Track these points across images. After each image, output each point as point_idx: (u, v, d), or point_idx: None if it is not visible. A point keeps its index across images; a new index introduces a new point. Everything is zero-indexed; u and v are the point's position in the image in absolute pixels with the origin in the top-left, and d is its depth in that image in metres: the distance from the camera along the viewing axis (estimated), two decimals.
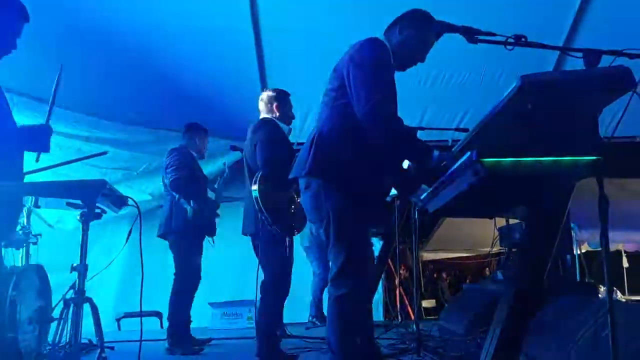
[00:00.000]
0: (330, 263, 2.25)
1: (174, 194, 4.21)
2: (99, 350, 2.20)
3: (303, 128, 5.42)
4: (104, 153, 3.29)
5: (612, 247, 7.99)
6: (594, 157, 1.56)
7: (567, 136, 1.61)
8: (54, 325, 2.63)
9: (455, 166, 1.75)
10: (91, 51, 4.57)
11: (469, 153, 1.61)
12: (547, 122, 1.62)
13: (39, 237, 3.83)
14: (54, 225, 6.32)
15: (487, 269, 14.51)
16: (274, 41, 5.13)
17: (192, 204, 4.12)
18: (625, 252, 10.40)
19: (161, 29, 4.71)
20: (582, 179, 1.92)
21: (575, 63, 1.90)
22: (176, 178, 4.11)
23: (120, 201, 2.43)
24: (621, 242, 9.15)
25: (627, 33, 4.32)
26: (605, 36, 4.08)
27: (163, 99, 5.21)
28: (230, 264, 6.64)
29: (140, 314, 2.39)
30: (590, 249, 7.99)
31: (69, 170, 5.01)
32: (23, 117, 4.46)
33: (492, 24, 2.12)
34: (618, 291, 9.35)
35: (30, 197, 2.49)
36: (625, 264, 10.91)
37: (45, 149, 2.39)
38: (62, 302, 2.34)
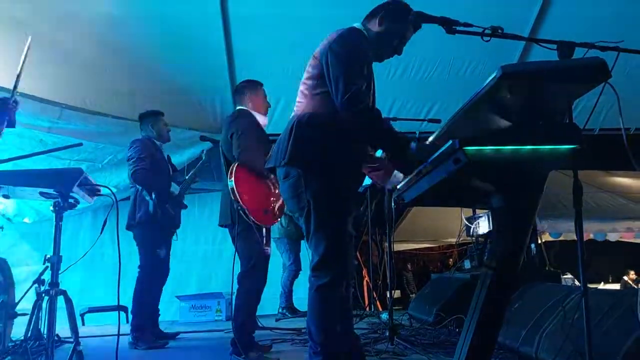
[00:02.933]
0: (311, 252, 2.24)
1: (137, 186, 4.15)
2: (73, 344, 2.14)
3: (273, 118, 5.38)
4: (79, 144, 3.18)
5: (569, 237, 8.25)
6: (572, 146, 1.60)
7: (545, 125, 1.64)
8: (21, 319, 2.55)
9: (436, 154, 1.77)
10: (57, 37, 4.42)
11: (450, 141, 1.63)
12: (525, 111, 1.65)
13: (0, 230, 3.70)
14: (12, 219, 6.13)
15: (450, 259, 14.79)
16: (243, 30, 5.08)
17: (153, 197, 4.05)
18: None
19: (129, 17, 4.60)
20: (559, 169, 1.98)
21: (541, 56, 1.94)
22: (136, 170, 4.05)
23: (94, 191, 2.36)
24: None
25: (589, 26, 4.45)
26: (568, 29, 4.21)
27: (130, 89, 5.09)
28: (197, 256, 6.59)
29: (118, 307, 2.34)
30: (551, 238, 8.22)
31: (28, 162, 4.86)
32: None
33: (458, 15, 2.14)
34: (576, 279, 9.66)
35: None
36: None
37: (11, 124, 2.29)
38: (27, 296, 2.27)
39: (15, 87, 2.35)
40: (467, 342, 1.97)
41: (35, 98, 4.46)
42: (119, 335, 2.34)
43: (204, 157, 4.59)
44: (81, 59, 4.74)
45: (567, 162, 1.72)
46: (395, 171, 2.39)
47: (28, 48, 2.39)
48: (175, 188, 4.37)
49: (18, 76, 2.37)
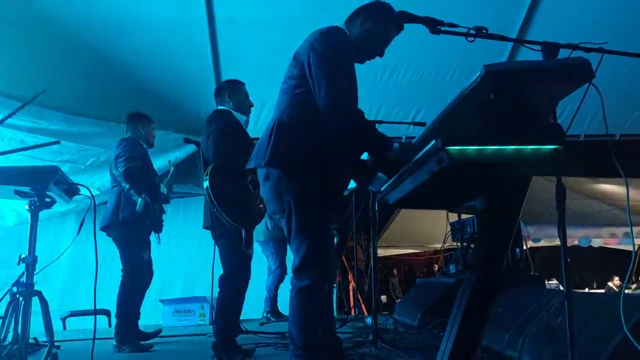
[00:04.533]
0: (292, 254, 2.21)
1: (123, 185, 4.06)
2: (48, 345, 2.08)
3: (259, 120, 5.36)
4: (57, 142, 3.12)
5: (554, 243, 8.29)
6: (554, 147, 1.59)
7: (529, 126, 1.63)
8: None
9: (419, 155, 1.75)
10: (39, 37, 4.36)
11: (434, 141, 1.61)
12: (509, 111, 1.64)
13: None
14: None
15: (436, 265, 14.82)
16: (229, 32, 5.06)
17: (143, 196, 3.98)
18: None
19: (113, 17, 4.55)
20: (541, 175, 1.98)
21: (529, 58, 1.94)
22: (129, 167, 3.96)
23: (72, 190, 2.31)
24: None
25: (577, 29, 4.48)
26: (556, 32, 4.22)
27: (114, 90, 5.05)
28: (181, 260, 6.53)
29: (95, 312, 2.28)
30: (535, 244, 8.26)
31: (7, 162, 4.78)
32: None
33: (444, 15, 2.13)
34: (560, 284, 9.71)
35: None
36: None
37: None
38: (7, 298, 2.21)
39: None
40: (450, 345, 1.96)
41: (15, 97, 4.39)
42: (94, 339, 2.28)
43: (171, 169, 4.53)
44: (65, 61, 4.69)
45: (550, 167, 1.70)
46: (379, 173, 2.37)
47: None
48: (163, 188, 4.32)
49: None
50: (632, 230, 6.46)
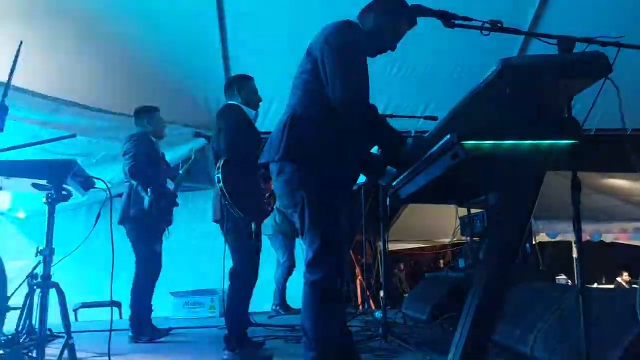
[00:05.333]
0: (305, 248, 2.22)
1: (132, 181, 4.11)
2: (65, 337, 2.10)
3: (268, 115, 5.35)
4: (73, 136, 3.15)
5: (565, 238, 8.27)
6: (571, 142, 1.58)
7: (545, 120, 1.62)
8: (14, 314, 2.52)
9: (433, 150, 1.75)
10: (51, 32, 4.38)
11: (449, 136, 1.61)
12: (525, 106, 1.63)
13: None
14: (6, 214, 6.09)
15: (442, 260, 14.80)
16: (239, 27, 5.06)
17: (149, 193, 4.02)
18: (575, 242, 10.81)
19: (125, 13, 4.56)
20: (554, 170, 1.97)
21: (540, 53, 1.92)
22: (133, 165, 4.02)
23: (88, 183, 2.33)
24: (572, 233, 9.48)
25: (589, 22, 4.45)
26: (568, 25, 4.19)
27: (125, 84, 5.06)
28: (191, 253, 6.56)
29: (111, 303, 2.31)
30: (545, 239, 8.24)
31: (25, 155, 4.80)
32: None
33: (454, 9, 2.13)
34: (569, 280, 9.69)
35: None
36: (575, 254, 11.30)
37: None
38: (20, 290, 2.24)
39: (5, 92, 2.29)
40: (462, 340, 1.96)
41: (29, 92, 4.42)
42: (111, 330, 2.31)
43: (193, 156, 4.57)
44: (76, 54, 4.70)
45: (565, 162, 1.70)
46: (388, 167, 2.36)
47: (18, 53, 2.33)
48: (170, 184, 4.35)
49: (9, 82, 2.31)
50: None
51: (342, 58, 2.16)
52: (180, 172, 4.47)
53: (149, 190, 4.02)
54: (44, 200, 2.09)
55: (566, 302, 2.47)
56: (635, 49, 1.92)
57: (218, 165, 3.20)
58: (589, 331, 1.57)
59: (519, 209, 1.95)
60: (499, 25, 1.98)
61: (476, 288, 2.05)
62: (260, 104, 3.65)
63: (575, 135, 1.58)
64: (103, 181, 2.31)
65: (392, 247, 14.12)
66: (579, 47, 1.89)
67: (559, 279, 8.24)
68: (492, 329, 2.04)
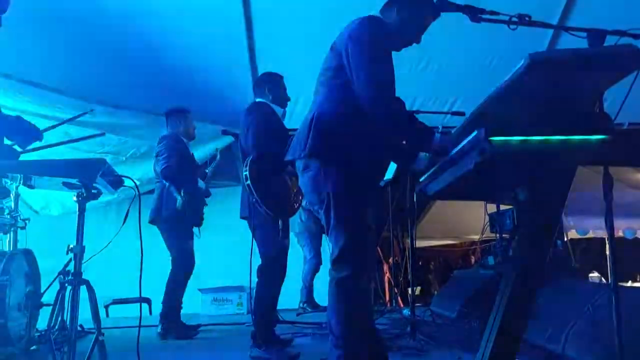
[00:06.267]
0: (331, 245, 2.22)
1: (164, 181, 4.18)
2: (95, 333, 2.15)
3: (294, 113, 5.35)
4: (102, 134, 3.24)
5: (598, 235, 8.08)
6: (602, 137, 1.54)
7: (575, 115, 1.58)
8: (46, 310, 2.58)
9: (460, 145, 1.73)
10: (80, 33, 4.45)
11: (476, 132, 1.58)
12: (554, 100, 1.59)
13: (27, 221, 3.76)
14: (39, 212, 6.22)
15: (473, 256, 14.62)
16: (265, 24, 5.06)
17: (181, 194, 4.09)
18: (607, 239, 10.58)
19: (152, 12, 4.61)
20: (583, 165, 1.92)
21: (570, 46, 1.88)
22: (167, 167, 4.10)
23: (117, 182, 2.38)
24: (604, 229, 9.27)
25: (618, 14, 4.32)
26: (598, 18, 4.07)
27: (153, 82, 5.11)
28: (220, 249, 6.60)
29: (140, 299, 2.35)
30: (577, 235, 8.08)
31: (54, 155, 4.90)
32: (9, 100, 4.39)
33: (481, 3, 2.09)
34: (602, 277, 9.47)
35: (19, 177, 2.44)
36: (608, 251, 11.06)
37: (22, 145, 2.36)
38: (52, 287, 2.29)
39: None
40: (492, 338, 1.93)
41: (57, 91, 4.53)
42: (140, 326, 2.34)
43: (218, 156, 4.62)
44: (105, 52, 4.78)
45: (596, 156, 1.65)
46: (421, 153, 2.34)
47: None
48: (201, 184, 4.41)
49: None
50: None
51: (366, 52, 2.15)
52: (207, 170, 4.53)
53: (181, 191, 4.09)
54: (74, 198, 2.14)
55: (598, 300, 2.42)
56: None
57: (246, 162, 3.22)
58: (621, 331, 1.52)
59: (548, 205, 1.91)
60: (527, 18, 1.94)
61: (506, 286, 2.02)
62: (289, 100, 3.67)
63: (607, 130, 1.54)
64: (132, 179, 2.35)
65: (420, 243, 14.02)
66: (610, 40, 1.84)
67: (591, 277, 8.06)
68: (523, 328, 2.00)
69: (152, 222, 4.25)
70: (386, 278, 7.58)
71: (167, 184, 4.16)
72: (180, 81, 5.26)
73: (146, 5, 4.60)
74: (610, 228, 1.69)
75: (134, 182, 2.31)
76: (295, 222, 5.75)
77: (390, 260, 8.46)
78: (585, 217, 6.96)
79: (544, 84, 1.57)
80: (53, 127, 2.96)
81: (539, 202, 1.93)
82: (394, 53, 2.36)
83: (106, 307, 5.70)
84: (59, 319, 2.53)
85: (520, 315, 1.93)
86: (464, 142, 1.71)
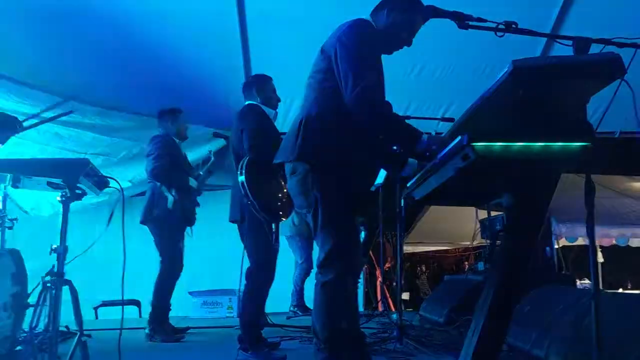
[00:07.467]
0: (318, 248, 2.23)
1: (155, 182, 4.17)
2: (78, 334, 2.14)
3: (288, 115, 5.36)
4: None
5: (586, 242, 8.09)
6: (584, 144, 1.56)
7: (557, 122, 1.60)
8: (30, 311, 2.57)
9: (445, 151, 1.74)
10: (71, 33, 4.45)
11: (459, 137, 1.60)
12: (537, 107, 1.61)
13: (14, 221, 3.75)
14: (29, 212, 6.19)
15: (466, 262, 14.65)
16: (260, 28, 5.07)
17: (173, 193, 4.07)
18: (601, 246, 10.59)
19: (144, 12, 4.61)
20: (569, 172, 1.94)
21: (562, 54, 1.89)
22: (157, 166, 4.09)
23: (102, 183, 2.37)
24: (597, 237, 9.30)
25: (613, 24, 4.35)
26: (591, 26, 4.10)
27: (145, 84, 5.11)
28: (210, 252, 6.60)
29: (122, 302, 2.33)
30: (567, 243, 8.10)
31: (46, 154, 4.89)
32: None
33: (479, 11, 2.10)
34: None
35: (8, 178, 2.43)
36: (601, 259, 11.09)
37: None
38: (39, 287, 2.28)
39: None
40: (474, 342, 1.94)
41: (49, 91, 4.51)
42: (121, 328, 2.33)
43: (212, 158, 4.62)
44: (98, 54, 4.77)
45: (579, 164, 1.67)
46: (410, 159, 2.35)
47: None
48: (193, 183, 4.40)
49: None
50: None
51: (354, 56, 2.16)
52: (201, 172, 4.52)
53: (172, 190, 4.08)
54: (58, 198, 2.13)
55: (582, 306, 2.43)
56: None
57: (241, 164, 3.21)
58: (600, 337, 1.53)
59: (532, 211, 1.92)
60: (514, 26, 1.95)
61: (488, 291, 2.03)
62: (280, 103, 3.67)
63: (587, 137, 1.55)
64: (116, 180, 2.35)
65: (414, 249, 14.05)
66: (596, 49, 1.86)
67: (582, 283, 8.08)
68: (505, 332, 2.01)
69: (143, 222, 4.23)
70: (378, 282, 7.60)
71: (159, 184, 4.15)
72: (174, 83, 5.26)
73: (140, 6, 4.60)
74: (591, 235, 1.70)
75: (118, 183, 2.30)
76: (287, 225, 5.74)
77: (388, 265, 8.47)
78: (576, 224, 6.98)
79: (527, 91, 1.59)
80: (36, 124, 2.96)
81: (523, 208, 1.94)
82: (388, 58, 2.38)
83: (95, 309, 5.68)
84: (45, 319, 2.52)
85: (503, 319, 1.94)
86: (449, 146, 1.72)
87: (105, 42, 4.67)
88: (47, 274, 2.28)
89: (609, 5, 4.71)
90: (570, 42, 1.88)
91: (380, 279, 7.43)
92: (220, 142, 5.56)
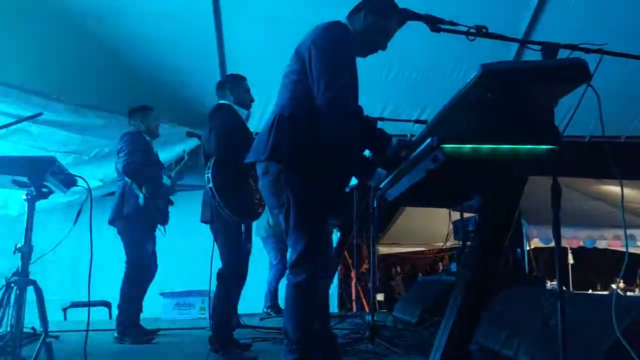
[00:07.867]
0: (289, 249, 2.22)
1: (126, 179, 4.10)
2: (42, 336, 2.09)
3: (264, 115, 5.33)
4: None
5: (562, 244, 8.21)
6: (550, 147, 1.59)
7: (525, 125, 1.63)
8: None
9: (416, 152, 1.75)
10: (43, 28, 4.38)
11: (429, 139, 1.61)
12: (505, 111, 1.63)
13: None
14: None
15: (440, 263, 14.78)
16: (235, 26, 5.05)
17: (143, 191, 4.01)
18: (570, 248, 10.79)
19: (118, 10, 4.56)
20: (535, 175, 1.97)
21: (533, 58, 1.92)
22: (128, 162, 4.01)
23: (69, 181, 2.33)
24: (567, 239, 9.47)
25: (583, 30, 4.45)
26: (562, 32, 4.18)
27: (119, 82, 5.06)
28: (182, 253, 6.52)
29: (88, 303, 2.29)
30: (541, 244, 8.23)
31: (16, 152, 4.79)
32: None
33: (452, 15, 2.12)
34: (563, 285, 9.64)
35: None
36: (571, 260, 11.30)
37: None
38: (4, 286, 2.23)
39: None
40: (443, 342, 1.96)
41: (20, 89, 4.42)
42: (87, 330, 2.30)
43: (186, 157, 4.57)
44: (70, 53, 4.70)
45: (545, 166, 1.70)
46: (378, 169, 2.36)
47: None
48: (166, 180, 4.35)
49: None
50: (625, 233, 6.49)
51: (328, 58, 2.15)
52: (173, 173, 4.46)
53: (143, 188, 4.01)
54: (24, 197, 2.09)
55: (550, 306, 2.47)
56: (618, 56, 1.92)
57: (208, 165, 3.20)
58: (565, 336, 1.56)
59: (500, 213, 1.96)
60: (484, 30, 1.97)
61: (458, 291, 2.05)
62: (256, 103, 3.65)
63: (554, 140, 1.58)
64: (83, 179, 2.31)
65: (389, 250, 14.12)
66: (564, 54, 1.89)
67: (552, 284, 8.22)
68: (472, 332, 2.04)
69: (111, 222, 4.14)
70: (352, 284, 7.62)
71: (129, 181, 4.07)
72: (149, 82, 5.21)
73: (115, 6, 4.54)
74: (557, 236, 1.72)
75: (86, 182, 2.26)
76: (262, 226, 5.72)
77: (365, 266, 8.49)
78: (548, 226, 7.09)
79: (495, 94, 1.61)
80: (8, 125, 2.89)
81: (491, 210, 1.98)
82: (363, 61, 2.38)
83: (64, 310, 5.58)
84: (8, 322, 2.47)
85: (471, 319, 1.97)
86: (419, 148, 1.74)
87: (79, 41, 4.60)
88: (13, 274, 2.23)
89: (577, 12, 4.81)
90: (539, 47, 1.91)
91: (354, 280, 7.46)
92: (195, 142, 5.51)
